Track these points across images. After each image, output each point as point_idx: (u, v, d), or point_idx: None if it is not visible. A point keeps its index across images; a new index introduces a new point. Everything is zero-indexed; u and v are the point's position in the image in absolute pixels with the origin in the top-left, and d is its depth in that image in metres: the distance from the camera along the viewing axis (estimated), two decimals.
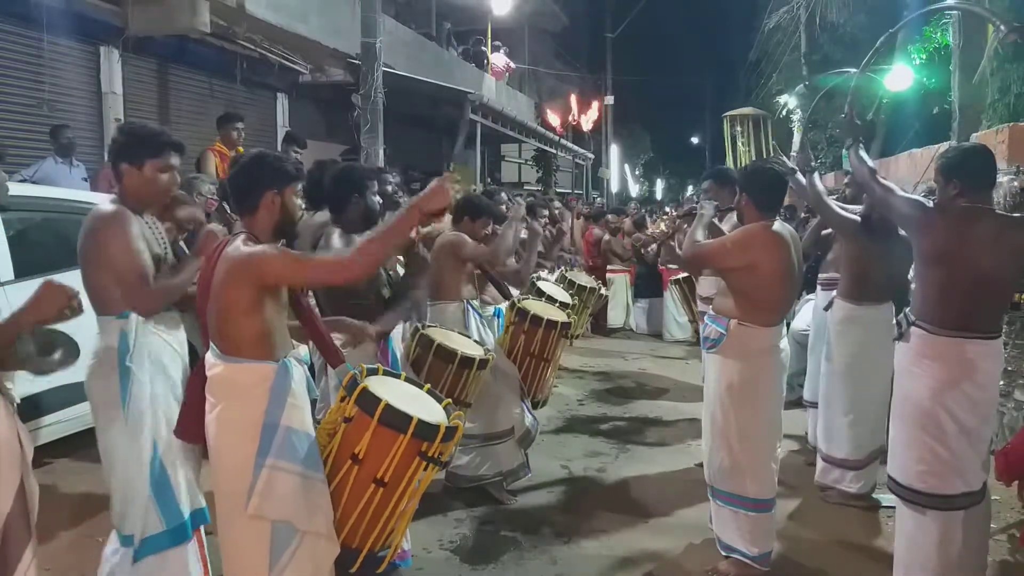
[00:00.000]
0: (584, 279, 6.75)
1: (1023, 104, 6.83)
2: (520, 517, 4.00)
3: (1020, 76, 6.83)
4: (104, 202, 2.74)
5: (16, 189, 4.31)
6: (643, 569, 3.50)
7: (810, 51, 16.10)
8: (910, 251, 3.18)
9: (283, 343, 2.46)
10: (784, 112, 17.00)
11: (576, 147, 20.49)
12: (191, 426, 2.49)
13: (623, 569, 3.51)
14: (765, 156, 16.33)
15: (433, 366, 3.65)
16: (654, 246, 8.18)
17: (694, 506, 4.08)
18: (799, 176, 4.28)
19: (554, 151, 18.00)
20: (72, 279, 2.30)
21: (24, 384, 2.37)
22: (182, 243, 3.09)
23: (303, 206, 2.67)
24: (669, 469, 4.77)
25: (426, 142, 13.55)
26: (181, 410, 2.59)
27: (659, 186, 39.61)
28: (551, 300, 4.97)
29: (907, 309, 3.10)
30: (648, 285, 9.95)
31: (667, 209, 11.82)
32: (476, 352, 3.76)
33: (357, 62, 9.16)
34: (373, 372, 2.64)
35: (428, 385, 2.81)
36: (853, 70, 5.14)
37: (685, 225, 4.31)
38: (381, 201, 3.60)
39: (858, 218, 4.04)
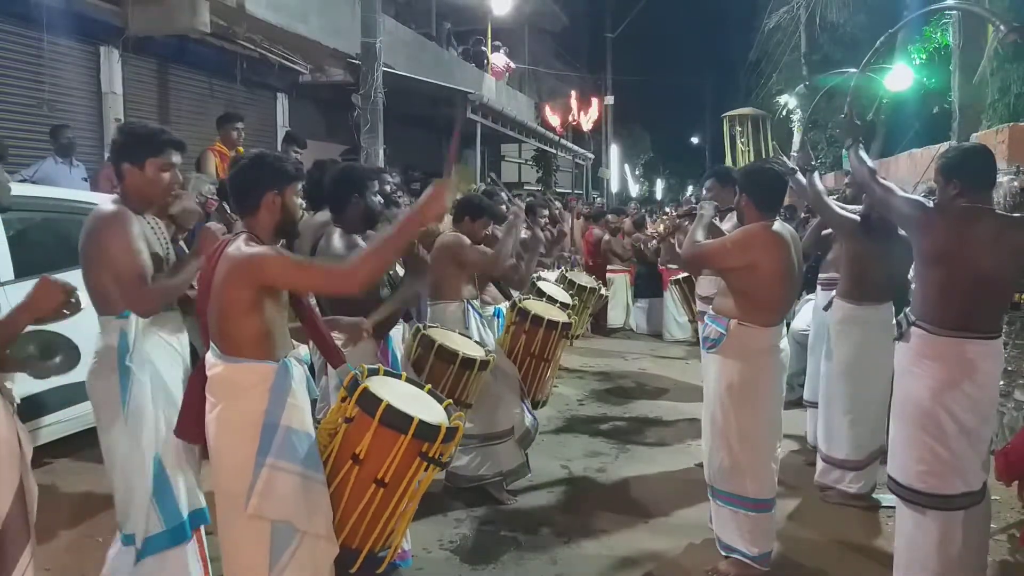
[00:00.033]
0: (584, 279, 6.75)
1: (1023, 104, 6.83)
2: (520, 517, 4.00)
3: (1020, 76, 6.84)
4: (105, 202, 2.74)
5: (16, 189, 4.31)
6: (643, 569, 3.50)
7: (810, 51, 16.11)
8: (910, 251, 3.18)
9: (283, 343, 2.46)
10: (784, 112, 17.02)
11: (576, 147, 20.50)
12: (191, 426, 2.49)
13: (623, 569, 3.51)
14: (765, 156, 16.34)
15: (434, 367, 3.65)
16: (654, 242, 8.18)
17: (694, 506, 4.08)
18: (799, 176, 4.28)
19: (554, 151, 18.01)
20: (72, 279, 2.30)
21: (24, 384, 2.36)
22: (182, 243, 3.09)
23: (303, 206, 2.67)
24: (669, 469, 4.77)
25: (426, 142, 13.56)
26: (181, 410, 2.59)
27: (659, 186, 39.59)
28: (551, 300, 4.97)
29: (907, 309, 3.10)
30: (648, 285, 9.95)
31: (667, 209, 11.81)
32: (477, 353, 3.76)
33: (357, 62, 9.17)
34: (374, 372, 2.64)
35: (429, 386, 2.81)
36: (853, 70, 5.15)
37: (686, 223, 4.31)
38: (382, 201, 3.60)
39: (857, 218, 4.04)
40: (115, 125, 7.50)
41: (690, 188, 35.97)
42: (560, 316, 4.53)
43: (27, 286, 2.17)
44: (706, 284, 4.93)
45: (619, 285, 10.07)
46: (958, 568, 2.93)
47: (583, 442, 5.32)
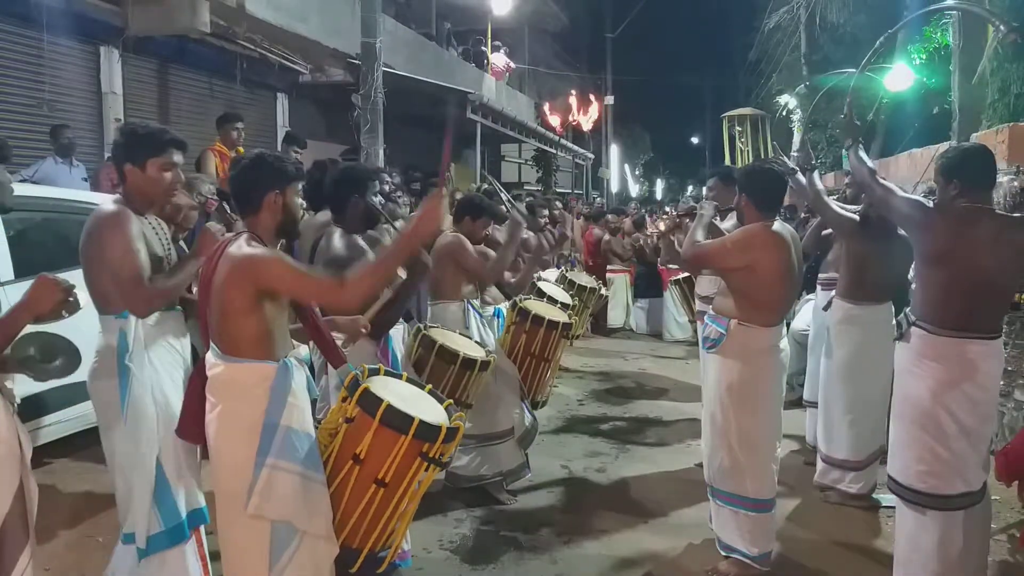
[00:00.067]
0: (584, 279, 6.76)
1: (1023, 104, 6.83)
2: (520, 517, 4.00)
3: (1020, 76, 6.83)
4: (106, 202, 2.74)
5: (16, 189, 4.30)
6: (643, 569, 3.50)
7: (810, 51, 16.11)
8: (910, 251, 3.18)
9: (283, 343, 2.46)
10: (784, 112, 17.01)
11: (576, 147, 20.51)
12: (191, 426, 2.49)
13: (623, 569, 3.51)
14: (764, 156, 16.35)
15: (435, 367, 3.65)
16: (655, 237, 8.17)
17: (694, 506, 4.08)
18: (799, 176, 4.27)
19: (554, 151, 18.01)
20: (72, 279, 2.29)
21: (24, 384, 2.36)
22: (182, 243, 3.09)
23: (304, 206, 2.67)
24: (669, 469, 4.77)
25: (426, 142, 13.54)
26: (182, 410, 2.59)
27: (659, 186, 39.61)
28: (552, 301, 4.97)
29: (907, 309, 3.10)
30: (648, 285, 9.96)
31: (667, 209, 11.83)
32: (478, 354, 3.76)
33: (357, 62, 9.17)
34: (375, 373, 2.64)
35: (430, 386, 2.81)
36: (853, 70, 5.14)
37: (687, 222, 4.31)
38: (382, 201, 3.61)
39: (857, 217, 4.04)
40: (115, 125, 7.51)
41: (690, 188, 35.99)
42: (560, 316, 4.53)
43: (27, 286, 2.16)
44: (706, 284, 4.93)
45: (619, 285, 10.08)
46: (958, 568, 2.93)
47: (583, 442, 5.32)
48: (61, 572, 3.31)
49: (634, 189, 32.44)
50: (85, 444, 4.21)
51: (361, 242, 3.35)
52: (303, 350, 3.44)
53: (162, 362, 2.71)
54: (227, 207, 4.21)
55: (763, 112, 18.88)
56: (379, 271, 2.40)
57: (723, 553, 3.44)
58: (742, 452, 3.33)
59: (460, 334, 3.97)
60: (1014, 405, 4.72)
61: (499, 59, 17.93)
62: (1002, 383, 4.05)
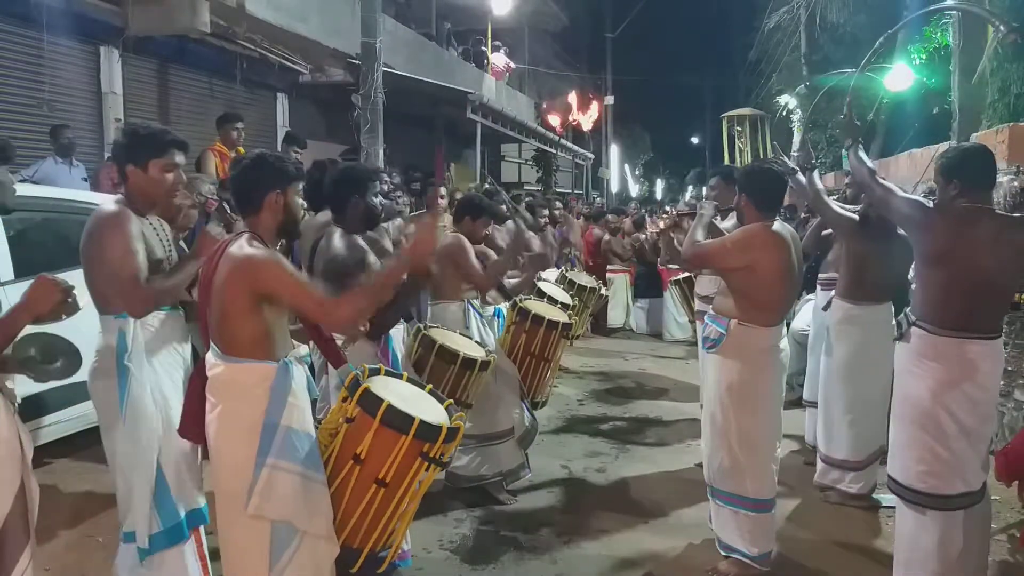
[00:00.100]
0: (584, 279, 6.76)
1: (1023, 104, 6.83)
2: (520, 517, 4.00)
3: (1020, 76, 6.83)
4: (107, 202, 2.74)
5: (16, 189, 4.31)
6: (643, 569, 3.50)
7: (810, 51, 16.11)
8: (909, 251, 3.18)
9: (284, 343, 2.46)
10: (784, 112, 17.01)
11: (576, 147, 20.51)
12: (192, 426, 2.49)
13: (623, 569, 3.51)
14: (764, 156, 16.35)
15: (435, 367, 3.65)
16: (655, 234, 8.16)
17: (694, 506, 4.08)
18: (799, 176, 4.27)
19: (554, 151, 18.02)
20: (72, 279, 2.29)
21: (25, 384, 2.36)
22: (182, 243, 3.09)
23: (304, 206, 2.67)
24: (669, 469, 4.77)
25: (426, 142, 13.55)
26: (182, 410, 2.59)
27: (659, 186, 39.58)
28: (552, 301, 4.98)
29: (907, 309, 3.10)
30: (648, 285, 9.96)
31: (667, 208, 11.83)
32: (478, 354, 3.77)
33: (357, 62, 9.16)
34: (375, 372, 2.65)
35: (430, 386, 2.81)
36: (853, 70, 5.15)
37: (687, 221, 4.31)
38: (382, 201, 3.61)
39: (856, 217, 4.04)
40: (115, 125, 7.52)
41: (690, 188, 35.95)
42: (560, 316, 4.53)
43: (27, 286, 2.16)
44: (706, 284, 4.93)
45: (619, 285, 10.08)
46: (958, 568, 2.93)
47: (583, 442, 5.32)
48: (61, 572, 3.31)
49: (634, 189, 32.42)
50: (86, 444, 4.22)
51: (361, 242, 3.35)
52: (303, 350, 3.44)
53: (162, 363, 2.72)
54: (227, 207, 4.21)
55: (763, 112, 18.88)
56: (372, 295, 2.46)
57: (723, 553, 3.44)
58: (742, 452, 3.33)
59: (460, 334, 3.98)
60: (1014, 405, 4.72)
61: (499, 59, 17.93)
62: (1002, 383, 4.05)
